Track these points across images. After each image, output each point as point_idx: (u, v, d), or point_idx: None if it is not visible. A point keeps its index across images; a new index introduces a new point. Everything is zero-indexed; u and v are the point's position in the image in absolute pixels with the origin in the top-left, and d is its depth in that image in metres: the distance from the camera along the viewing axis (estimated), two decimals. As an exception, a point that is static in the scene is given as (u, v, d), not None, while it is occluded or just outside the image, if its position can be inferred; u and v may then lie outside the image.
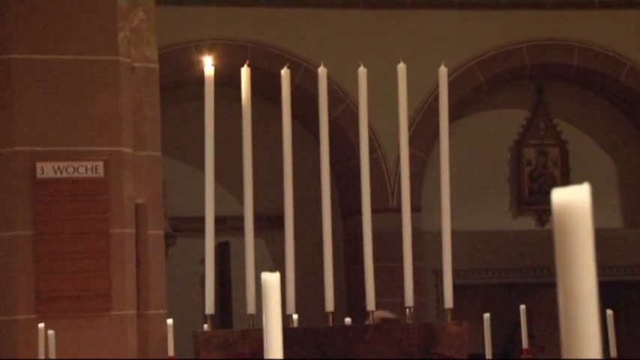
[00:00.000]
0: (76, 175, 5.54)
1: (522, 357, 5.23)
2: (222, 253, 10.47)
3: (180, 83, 10.52)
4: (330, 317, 3.30)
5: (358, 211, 3.53)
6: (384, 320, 5.76)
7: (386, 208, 10.27)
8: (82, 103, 5.59)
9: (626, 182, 11.74)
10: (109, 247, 5.52)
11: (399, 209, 3.53)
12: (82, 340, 5.41)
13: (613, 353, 4.90)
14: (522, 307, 5.01)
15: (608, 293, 10.72)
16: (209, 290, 3.26)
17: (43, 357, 4.52)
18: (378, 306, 6.08)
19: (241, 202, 3.43)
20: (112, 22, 5.66)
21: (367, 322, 3.36)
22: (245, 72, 3.39)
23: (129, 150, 5.67)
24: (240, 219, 3.47)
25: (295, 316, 3.45)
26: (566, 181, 11.40)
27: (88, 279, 5.47)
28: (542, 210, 11.45)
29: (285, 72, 3.42)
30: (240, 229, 3.49)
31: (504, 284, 11.48)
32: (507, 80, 11.42)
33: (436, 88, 3.85)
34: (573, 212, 1.08)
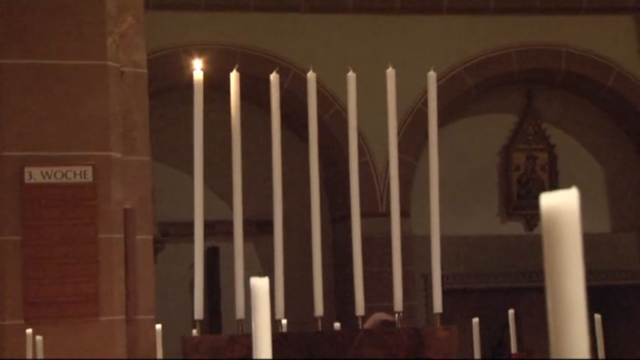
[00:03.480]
0: (64, 180, 5.52)
1: (511, 361, 5.23)
2: (212, 258, 10.46)
3: (169, 88, 10.52)
4: (320, 322, 3.30)
5: (347, 216, 3.53)
6: (384, 322, 5.75)
7: (375, 212, 10.28)
8: (71, 108, 5.58)
9: (615, 187, 11.78)
10: (98, 252, 5.51)
11: (388, 214, 3.54)
12: (70, 345, 5.40)
13: (601, 358, 4.91)
14: (511, 311, 5.01)
15: (597, 298, 10.74)
16: (198, 295, 3.25)
17: (31, 363, 4.51)
18: (375, 310, 6.08)
19: (230, 207, 3.43)
20: (100, 27, 5.65)
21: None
22: (234, 77, 3.39)
23: (118, 155, 5.66)
24: (229, 224, 3.47)
25: (284, 321, 3.45)
26: (554, 185, 11.42)
27: (77, 284, 5.46)
28: (531, 214, 11.47)
29: (274, 77, 3.42)
30: (229, 234, 3.48)
31: (493, 289, 11.49)
32: (496, 85, 11.45)
33: (425, 92, 3.85)
34: (562, 217, 1.09)
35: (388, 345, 3.27)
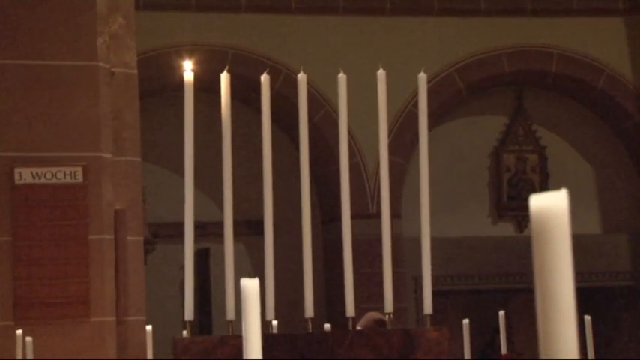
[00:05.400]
0: (54, 181, 5.51)
1: (501, 362, 5.23)
2: (202, 259, 10.45)
3: (159, 88, 10.50)
4: (310, 323, 3.30)
5: (338, 217, 3.53)
6: (377, 321, 5.75)
7: (366, 214, 10.29)
8: (61, 109, 5.57)
9: (605, 188, 11.81)
10: (88, 253, 5.50)
11: (378, 215, 3.54)
12: (61, 346, 5.39)
13: (591, 359, 4.92)
14: (501, 312, 5.02)
15: (586, 299, 10.77)
16: (188, 296, 3.25)
17: (21, 364, 4.50)
18: (365, 311, 6.07)
19: (221, 207, 3.42)
20: (91, 28, 5.64)
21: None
22: (225, 77, 3.39)
23: (108, 156, 5.65)
24: (219, 225, 3.47)
25: (275, 322, 3.45)
26: (544, 187, 11.45)
27: (67, 285, 5.45)
28: (521, 216, 11.50)
29: (265, 77, 3.42)
30: (219, 235, 3.48)
31: (483, 290, 11.51)
32: (486, 87, 11.47)
33: (416, 94, 3.86)
34: (551, 218, 1.09)
35: (379, 346, 3.27)
